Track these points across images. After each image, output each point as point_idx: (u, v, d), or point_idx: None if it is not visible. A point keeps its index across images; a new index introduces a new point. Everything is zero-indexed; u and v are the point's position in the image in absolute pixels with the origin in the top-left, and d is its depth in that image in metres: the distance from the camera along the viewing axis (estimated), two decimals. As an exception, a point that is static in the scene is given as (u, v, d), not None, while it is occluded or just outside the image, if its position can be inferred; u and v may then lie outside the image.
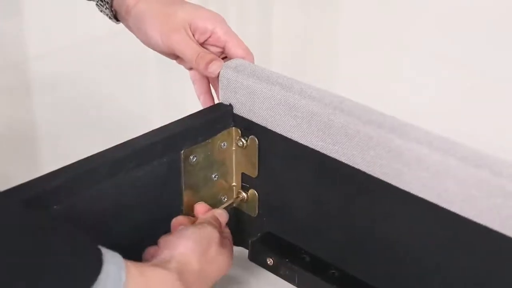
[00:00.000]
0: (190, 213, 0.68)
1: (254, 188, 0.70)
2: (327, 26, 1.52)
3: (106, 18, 0.75)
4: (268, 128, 0.66)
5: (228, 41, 0.69)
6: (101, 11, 0.74)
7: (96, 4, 0.73)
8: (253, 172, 0.69)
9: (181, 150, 0.65)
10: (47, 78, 1.19)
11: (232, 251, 0.66)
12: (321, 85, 0.65)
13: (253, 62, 0.70)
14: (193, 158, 0.66)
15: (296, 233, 0.69)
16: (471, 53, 1.29)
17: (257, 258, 0.70)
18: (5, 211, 0.47)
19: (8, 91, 1.17)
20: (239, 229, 0.71)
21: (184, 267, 0.58)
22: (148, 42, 0.71)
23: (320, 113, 0.61)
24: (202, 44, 0.70)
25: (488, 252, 0.55)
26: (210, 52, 0.69)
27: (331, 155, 0.62)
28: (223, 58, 0.71)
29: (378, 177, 0.59)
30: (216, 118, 0.67)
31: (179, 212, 0.67)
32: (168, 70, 0.79)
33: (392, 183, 0.58)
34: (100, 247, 0.51)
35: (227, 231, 0.67)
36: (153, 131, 0.64)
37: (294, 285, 0.67)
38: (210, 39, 0.70)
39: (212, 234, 0.62)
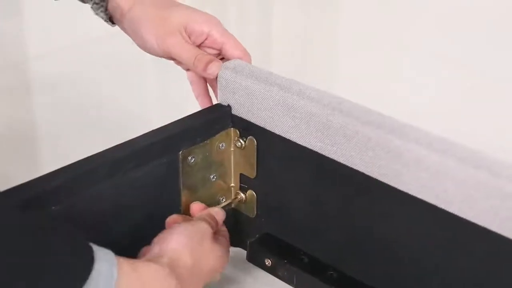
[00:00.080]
0: (188, 213, 0.68)
1: (252, 189, 0.70)
2: (327, 26, 1.52)
3: (104, 19, 0.75)
4: (267, 129, 0.66)
5: (225, 43, 0.69)
6: (96, 14, 0.73)
7: (91, 7, 0.73)
8: (252, 173, 0.69)
9: (180, 151, 0.65)
10: (47, 78, 1.19)
11: (229, 249, 0.66)
12: (321, 85, 0.65)
13: (250, 63, 0.70)
14: (191, 158, 0.66)
15: (295, 234, 0.69)
16: (471, 53, 1.29)
17: (255, 259, 0.70)
18: (2, 212, 0.47)
19: (8, 91, 1.17)
20: (237, 230, 0.71)
21: (176, 262, 0.58)
22: (144, 46, 0.71)
23: (319, 114, 0.61)
24: (198, 47, 0.70)
25: (486, 253, 0.55)
26: (208, 54, 0.69)
27: (329, 156, 0.62)
28: (220, 59, 0.71)
29: (377, 178, 0.59)
30: (215, 119, 0.67)
31: (177, 213, 0.67)
32: (167, 70, 0.79)
33: (390, 184, 0.58)
34: (91, 244, 0.51)
35: (224, 229, 0.67)
36: (151, 131, 0.64)
37: (292, 286, 0.67)
38: (206, 42, 0.70)
39: (204, 229, 0.62)
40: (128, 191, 0.62)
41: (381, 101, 0.78)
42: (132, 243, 0.60)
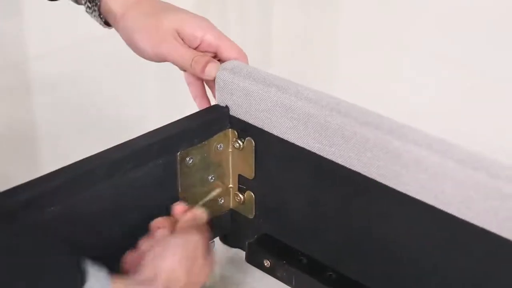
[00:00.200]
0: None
1: (250, 190, 0.70)
2: (327, 26, 1.52)
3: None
4: (265, 129, 0.66)
5: (220, 45, 0.69)
6: (92, 17, 0.73)
7: (86, 11, 0.73)
8: (250, 174, 0.69)
9: (178, 152, 0.65)
10: (47, 78, 1.19)
11: (213, 255, 0.64)
12: (321, 85, 0.65)
13: (247, 63, 0.70)
14: (189, 159, 0.66)
15: (293, 235, 0.69)
16: (471, 53, 1.29)
17: (254, 260, 0.70)
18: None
19: (8, 91, 1.17)
20: (236, 231, 0.71)
21: (172, 284, 0.56)
22: (139, 53, 0.70)
23: (317, 115, 0.61)
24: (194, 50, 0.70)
25: (485, 254, 0.55)
26: (205, 55, 0.69)
27: (327, 157, 0.62)
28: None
29: (375, 178, 0.59)
30: (213, 120, 0.67)
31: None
32: (167, 70, 0.79)
33: (389, 185, 0.58)
34: (85, 262, 0.50)
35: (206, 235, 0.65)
36: (150, 132, 0.64)
37: (291, 286, 0.67)
38: (201, 46, 0.69)
39: (198, 243, 0.60)
40: (127, 191, 0.62)
41: (381, 101, 0.78)
42: (131, 244, 0.60)
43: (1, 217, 0.49)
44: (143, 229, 0.63)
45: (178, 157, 0.65)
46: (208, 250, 0.62)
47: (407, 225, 0.59)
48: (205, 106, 0.72)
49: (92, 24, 0.76)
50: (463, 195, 0.54)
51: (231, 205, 0.72)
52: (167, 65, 0.72)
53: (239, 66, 0.67)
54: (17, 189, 0.56)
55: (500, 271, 0.55)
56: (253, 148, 0.67)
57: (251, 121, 0.66)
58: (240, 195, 0.71)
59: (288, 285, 0.68)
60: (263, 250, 0.69)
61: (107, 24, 0.73)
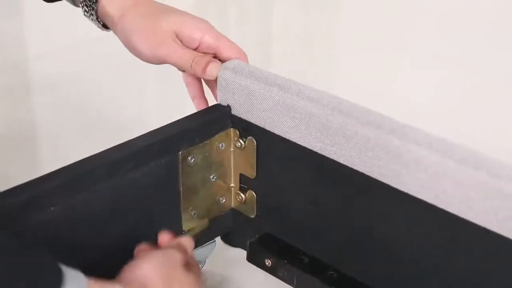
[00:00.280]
0: (186, 214, 0.68)
1: (252, 189, 0.70)
2: (327, 26, 1.52)
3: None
4: (266, 129, 0.66)
5: (219, 46, 0.68)
6: (90, 20, 0.73)
7: (83, 14, 0.73)
8: (251, 173, 0.69)
9: (179, 151, 0.65)
10: (47, 78, 1.19)
11: (200, 276, 0.62)
12: (321, 85, 0.65)
13: (247, 63, 0.70)
14: (191, 159, 0.66)
15: (295, 234, 0.69)
16: (471, 53, 1.29)
17: (255, 259, 0.70)
18: None
19: (8, 91, 1.17)
20: (237, 230, 0.71)
21: None
22: (138, 56, 0.70)
23: (318, 114, 0.61)
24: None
25: (486, 253, 0.55)
26: (204, 55, 0.68)
27: (329, 156, 0.62)
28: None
29: (376, 178, 0.59)
30: (214, 119, 0.67)
31: (177, 213, 0.67)
32: (167, 70, 0.79)
33: (390, 184, 0.58)
34: (61, 267, 0.49)
35: (192, 257, 0.64)
36: (150, 132, 0.64)
37: (292, 286, 0.67)
38: (200, 47, 0.69)
39: (176, 257, 0.59)
40: (127, 191, 0.62)
41: (381, 101, 0.78)
42: (131, 244, 0.60)
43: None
44: (143, 229, 0.63)
45: (180, 157, 0.65)
46: (191, 268, 0.60)
47: (408, 224, 0.59)
48: (203, 106, 0.72)
49: (92, 24, 0.76)
50: (463, 194, 0.54)
51: (233, 204, 0.72)
52: (167, 65, 0.72)
53: (241, 65, 0.67)
54: (17, 189, 0.56)
55: (501, 271, 0.55)
56: (255, 147, 0.67)
57: (253, 120, 0.66)
58: (242, 195, 0.71)
59: (289, 284, 0.68)
60: (264, 249, 0.69)
61: (105, 27, 0.73)
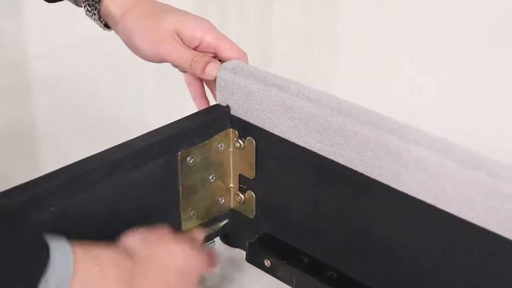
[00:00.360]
0: (185, 214, 0.68)
1: (251, 190, 0.70)
2: (327, 26, 1.52)
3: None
4: (266, 129, 0.66)
5: (220, 46, 0.69)
6: (92, 20, 0.73)
7: (86, 14, 0.73)
8: (251, 174, 0.69)
9: (179, 152, 0.65)
10: (47, 78, 1.19)
11: (203, 254, 0.63)
12: (321, 85, 0.65)
13: (247, 63, 0.70)
14: (190, 159, 0.66)
15: (294, 234, 0.69)
16: (471, 53, 1.29)
17: (254, 259, 0.70)
18: None
19: (8, 91, 1.17)
20: (236, 231, 0.71)
21: (131, 250, 0.57)
22: (139, 54, 0.71)
23: (318, 115, 0.61)
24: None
25: (485, 254, 0.55)
26: (204, 55, 0.69)
27: (328, 157, 0.62)
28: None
29: (376, 178, 0.59)
30: (214, 120, 0.67)
31: (176, 213, 0.67)
32: (167, 70, 0.79)
33: (390, 185, 0.58)
34: (46, 236, 0.50)
35: (201, 246, 0.65)
36: (150, 132, 0.64)
37: (291, 286, 0.67)
38: (200, 46, 0.69)
39: (165, 230, 0.61)
40: (127, 191, 0.62)
41: (381, 101, 0.78)
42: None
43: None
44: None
45: (179, 157, 0.65)
46: (192, 244, 0.62)
47: (408, 224, 0.59)
48: (204, 106, 0.72)
49: (92, 24, 0.76)
50: (463, 195, 0.54)
51: (232, 204, 0.72)
52: (167, 65, 0.72)
53: (240, 65, 0.67)
54: (17, 189, 0.56)
55: (500, 271, 0.55)
56: (254, 147, 0.67)
57: (252, 120, 0.66)
58: (241, 195, 0.71)
59: (288, 284, 0.68)
60: (263, 249, 0.69)
61: (107, 26, 0.73)
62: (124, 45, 0.72)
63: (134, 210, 0.63)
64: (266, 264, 0.68)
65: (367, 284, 0.64)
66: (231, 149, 0.69)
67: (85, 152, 0.60)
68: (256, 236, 0.70)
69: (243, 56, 0.69)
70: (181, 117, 0.67)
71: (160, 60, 0.70)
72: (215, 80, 0.68)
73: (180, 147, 0.65)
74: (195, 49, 0.69)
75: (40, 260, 0.49)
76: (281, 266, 0.67)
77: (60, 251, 0.50)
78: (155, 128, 0.65)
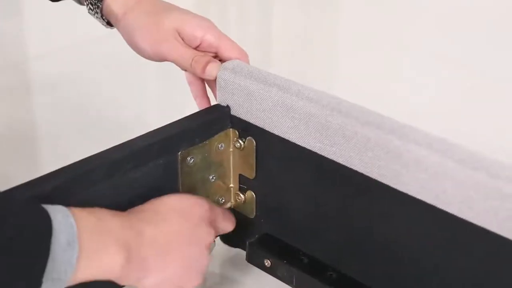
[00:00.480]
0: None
1: (251, 190, 0.70)
2: (327, 26, 1.52)
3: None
4: (266, 129, 0.66)
5: (220, 46, 0.69)
6: (94, 18, 0.74)
7: (88, 12, 0.73)
8: (251, 174, 0.69)
9: (179, 152, 0.65)
10: (47, 78, 1.19)
11: (212, 235, 0.64)
12: (321, 85, 0.65)
13: (248, 63, 0.70)
14: (190, 159, 0.66)
15: (294, 234, 0.69)
16: (471, 53, 1.29)
17: (254, 259, 0.70)
18: None
19: (8, 91, 1.17)
20: (236, 231, 0.71)
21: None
22: (139, 53, 0.71)
23: (318, 115, 0.61)
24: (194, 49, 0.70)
25: (486, 254, 0.55)
26: (205, 54, 0.69)
27: (328, 157, 0.62)
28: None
29: (376, 178, 0.59)
30: (214, 120, 0.67)
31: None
32: (167, 70, 0.79)
33: (390, 185, 0.58)
34: (43, 206, 0.51)
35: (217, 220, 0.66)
36: (150, 132, 0.64)
37: (291, 286, 0.67)
38: (201, 46, 0.69)
39: (204, 207, 0.62)
40: (127, 191, 0.62)
41: (381, 101, 0.78)
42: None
43: None
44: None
45: (179, 157, 0.65)
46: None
47: (408, 224, 0.59)
48: (205, 106, 0.72)
49: (92, 24, 0.77)
50: (463, 195, 0.54)
51: (232, 204, 0.72)
52: (167, 65, 0.72)
53: (240, 65, 0.67)
54: (17, 189, 0.56)
55: (500, 271, 0.55)
56: (254, 147, 0.67)
57: (252, 120, 0.66)
58: (241, 195, 0.71)
59: (288, 284, 0.68)
60: (263, 249, 0.69)
61: (109, 24, 0.74)
62: (124, 45, 0.73)
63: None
64: (266, 264, 0.68)
65: (367, 284, 0.64)
66: (231, 149, 0.69)
67: (85, 152, 0.60)
68: (256, 236, 0.71)
69: (244, 56, 0.69)
70: (181, 117, 0.67)
71: (160, 59, 0.70)
72: (215, 79, 0.68)
73: (180, 147, 0.65)
74: (196, 48, 0.70)
75: (45, 225, 0.49)
76: (281, 266, 0.67)
77: (61, 214, 0.51)
78: (155, 128, 0.65)
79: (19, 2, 1.52)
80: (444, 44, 1.34)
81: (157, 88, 1.23)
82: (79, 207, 0.54)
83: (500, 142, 0.98)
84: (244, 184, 0.70)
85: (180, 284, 0.60)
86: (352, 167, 0.60)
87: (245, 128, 0.67)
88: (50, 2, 0.77)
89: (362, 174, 0.60)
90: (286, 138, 0.64)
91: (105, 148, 0.61)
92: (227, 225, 0.67)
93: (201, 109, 0.72)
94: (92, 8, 0.72)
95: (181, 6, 0.72)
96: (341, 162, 0.61)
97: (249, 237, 0.71)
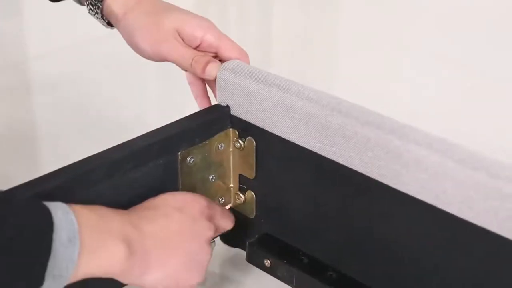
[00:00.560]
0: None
1: (251, 190, 0.70)
2: (327, 26, 1.52)
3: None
4: (266, 129, 0.66)
5: (220, 46, 0.69)
6: (95, 18, 0.74)
7: (88, 13, 0.73)
8: (251, 174, 0.69)
9: (178, 152, 0.65)
10: (47, 78, 1.19)
11: (212, 230, 0.64)
12: (321, 85, 0.65)
13: (248, 63, 0.70)
14: (190, 159, 0.66)
15: (294, 234, 0.69)
16: (471, 53, 1.29)
17: (254, 259, 0.70)
18: None
19: (8, 91, 1.17)
20: (236, 231, 0.71)
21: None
22: (140, 53, 0.71)
23: (318, 115, 0.61)
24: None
25: (485, 254, 0.55)
26: (205, 54, 0.69)
27: (328, 157, 0.62)
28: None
29: (376, 178, 0.59)
30: (214, 120, 0.67)
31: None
32: (168, 70, 0.79)
33: (390, 185, 0.58)
34: (44, 204, 0.51)
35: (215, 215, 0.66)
36: (150, 132, 0.64)
37: (291, 286, 0.67)
38: (201, 46, 0.69)
39: (201, 203, 0.62)
40: (127, 191, 0.62)
41: (381, 101, 0.78)
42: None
43: None
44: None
45: (179, 157, 0.65)
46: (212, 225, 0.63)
47: (408, 224, 0.59)
48: (206, 105, 0.72)
49: (92, 24, 0.77)
50: (463, 195, 0.54)
51: (232, 204, 0.72)
52: (167, 65, 0.72)
53: (240, 65, 0.67)
54: (18, 188, 0.56)
55: (500, 271, 0.55)
56: (254, 147, 0.67)
57: (252, 120, 0.66)
58: (241, 195, 0.71)
59: (288, 284, 0.68)
60: (263, 249, 0.69)
61: (109, 25, 0.74)
62: (124, 45, 0.73)
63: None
64: (266, 264, 0.68)
65: (367, 284, 0.64)
66: (231, 149, 0.69)
67: (85, 152, 0.60)
68: (256, 236, 0.71)
69: (244, 56, 0.69)
70: (181, 117, 0.67)
71: (160, 59, 0.70)
72: (215, 79, 0.68)
73: (180, 147, 0.65)
74: (196, 48, 0.70)
75: (47, 222, 0.50)
76: (281, 266, 0.67)
77: (61, 211, 0.51)
78: (155, 128, 0.65)
79: (19, 2, 1.52)
80: (444, 44, 1.34)
81: (157, 88, 1.23)
82: (80, 205, 0.54)
83: (500, 142, 0.98)
84: (244, 184, 0.70)
85: (181, 280, 0.60)
86: (352, 167, 0.60)
87: (245, 128, 0.67)
88: (50, 2, 0.77)
89: (362, 174, 0.60)
90: (286, 138, 0.64)
91: (105, 148, 0.61)
92: (226, 223, 0.67)
93: (202, 109, 0.72)
94: (92, 8, 0.72)
95: (181, 6, 0.72)
96: (341, 162, 0.61)
97: (249, 237, 0.71)
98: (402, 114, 0.61)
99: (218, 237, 0.73)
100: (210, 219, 0.63)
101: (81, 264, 0.51)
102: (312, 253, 0.67)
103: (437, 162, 0.55)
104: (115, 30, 0.74)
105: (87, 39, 1.30)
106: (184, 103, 0.81)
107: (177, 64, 0.70)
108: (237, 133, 0.68)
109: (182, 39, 0.69)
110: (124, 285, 0.58)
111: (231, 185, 0.71)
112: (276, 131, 0.65)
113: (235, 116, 0.68)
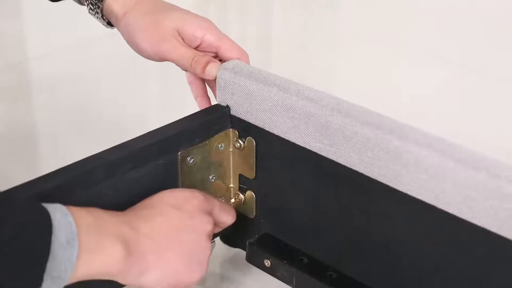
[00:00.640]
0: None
1: (251, 190, 0.70)
2: (327, 26, 1.52)
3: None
4: (266, 129, 0.66)
5: (221, 46, 0.69)
6: (95, 18, 0.74)
7: (88, 12, 0.74)
8: (251, 174, 0.69)
9: (178, 152, 0.65)
10: (47, 78, 1.19)
11: (211, 225, 0.63)
12: (321, 85, 0.65)
13: (248, 63, 0.70)
14: (190, 159, 0.66)
15: (294, 234, 0.69)
16: (471, 53, 1.29)
17: (254, 259, 0.70)
18: None
19: (8, 91, 1.17)
20: (236, 231, 0.71)
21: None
22: (140, 53, 0.71)
23: (318, 115, 0.61)
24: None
25: (485, 253, 0.55)
26: (205, 54, 0.69)
27: (328, 157, 0.62)
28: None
29: (376, 178, 0.59)
30: (213, 120, 0.67)
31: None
32: (167, 70, 0.79)
33: (390, 185, 0.58)
34: (43, 205, 0.51)
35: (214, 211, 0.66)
36: (150, 132, 0.64)
37: (291, 286, 0.67)
38: (201, 46, 0.69)
39: (199, 199, 0.62)
40: (126, 191, 0.62)
41: (380, 101, 0.78)
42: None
43: None
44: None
45: (179, 157, 0.65)
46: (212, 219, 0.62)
47: (408, 224, 0.59)
48: (206, 105, 0.72)
49: (92, 25, 0.77)
50: (463, 195, 0.54)
51: (232, 205, 0.72)
52: (167, 65, 0.72)
53: (240, 65, 0.67)
54: (17, 189, 0.56)
55: (500, 271, 0.55)
56: (254, 147, 0.67)
57: (252, 120, 0.66)
58: (241, 195, 0.71)
59: (288, 284, 0.68)
60: (263, 249, 0.69)
61: (110, 24, 0.74)
62: (124, 45, 0.73)
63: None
64: (266, 264, 0.68)
65: (367, 284, 0.64)
66: (231, 149, 0.69)
67: (85, 152, 0.60)
68: (256, 236, 0.71)
69: (244, 56, 0.69)
70: (181, 117, 0.67)
71: (160, 58, 0.70)
72: (215, 79, 0.68)
73: (180, 147, 0.65)
74: (196, 48, 0.70)
75: (46, 223, 0.50)
76: (281, 266, 0.67)
77: (60, 213, 0.51)
78: (155, 128, 0.65)
79: (19, 2, 1.52)
80: (444, 44, 1.34)
81: (157, 88, 1.23)
82: (77, 207, 0.54)
83: (500, 142, 0.98)
84: (244, 184, 0.70)
85: (181, 278, 0.59)
86: (352, 167, 0.60)
87: (245, 128, 0.67)
88: (50, 2, 0.77)
89: (362, 174, 0.60)
90: (286, 138, 0.64)
91: (105, 148, 0.61)
92: (226, 217, 0.66)
93: (202, 109, 0.72)
94: (92, 8, 0.72)
95: (181, 6, 0.72)
96: (341, 162, 0.61)
97: (249, 237, 0.71)
98: (402, 114, 0.61)
99: (218, 237, 0.73)
100: (209, 213, 0.63)
101: (79, 266, 0.51)
102: (312, 253, 0.67)
103: (437, 162, 0.55)
104: (115, 30, 0.74)
105: (87, 39, 1.30)
106: (184, 103, 0.81)
107: (177, 64, 0.70)
108: (237, 133, 0.68)
109: (182, 39, 0.69)
110: (123, 285, 0.58)
111: (231, 185, 0.71)
112: (276, 131, 0.65)
113: (235, 116, 0.68)
